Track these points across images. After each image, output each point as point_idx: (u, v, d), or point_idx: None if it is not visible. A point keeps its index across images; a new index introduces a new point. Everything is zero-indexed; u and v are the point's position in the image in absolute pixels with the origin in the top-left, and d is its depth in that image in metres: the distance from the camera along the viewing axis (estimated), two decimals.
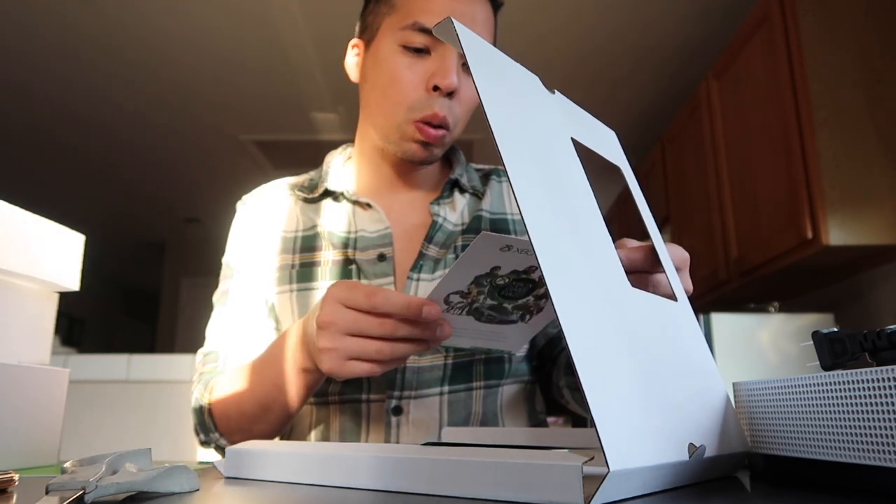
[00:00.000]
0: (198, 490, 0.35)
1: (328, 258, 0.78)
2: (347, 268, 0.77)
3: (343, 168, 0.86)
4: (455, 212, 0.82)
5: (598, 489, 0.27)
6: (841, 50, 1.74)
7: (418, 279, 0.75)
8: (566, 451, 0.31)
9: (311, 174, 0.88)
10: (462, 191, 0.84)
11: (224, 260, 0.85)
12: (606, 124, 0.58)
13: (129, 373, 2.03)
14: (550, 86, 0.48)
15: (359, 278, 0.76)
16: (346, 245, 0.78)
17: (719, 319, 2.03)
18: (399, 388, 0.72)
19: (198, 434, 0.76)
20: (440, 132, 0.73)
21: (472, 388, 0.75)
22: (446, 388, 0.74)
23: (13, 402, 0.59)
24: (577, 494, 0.28)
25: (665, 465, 0.31)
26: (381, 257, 0.76)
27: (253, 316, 0.80)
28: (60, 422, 0.65)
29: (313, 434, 0.77)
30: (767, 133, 1.90)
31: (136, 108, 3.20)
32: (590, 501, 0.27)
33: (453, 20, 0.36)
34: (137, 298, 7.33)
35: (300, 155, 3.67)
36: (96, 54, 2.73)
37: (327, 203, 0.83)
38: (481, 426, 0.75)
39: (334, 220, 0.80)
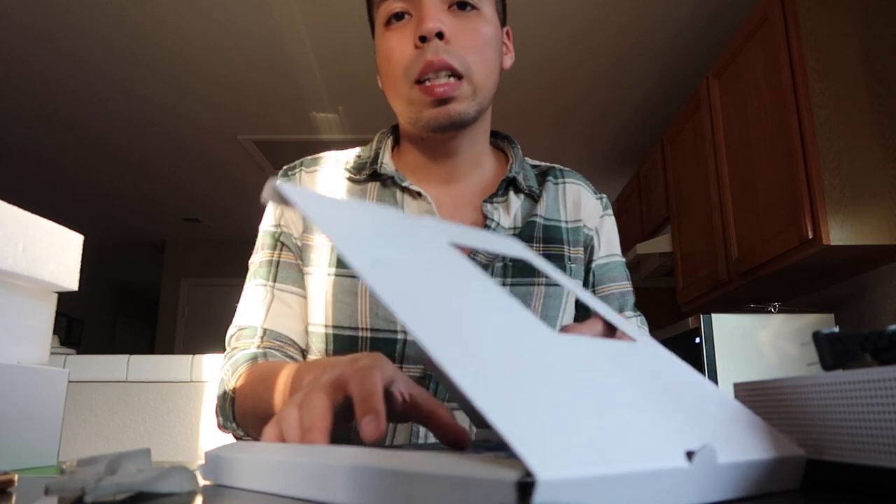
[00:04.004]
0: (198, 490, 0.35)
1: None
2: None
3: (394, 148, 0.81)
4: (508, 215, 0.77)
5: None
6: (841, 49, 1.74)
7: None
8: (506, 457, 0.26)
9: (358, 151, 0.83)
10: (517, 190, 0.79)
11: (263, 229, 0.81)
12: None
13: (129, 373, 2.03)
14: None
15: None
16: None
17: (719, 319, 2.03)
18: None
19: (217, 416, 0.73)
20: (445, 83, 0.67)
21: None
22: None
23: (13, 402, 0.59)
24: None
25: (641, 472, 0.25)
26: None
27: (293, 291, 0.76)
28: (60, 422, 0.65)
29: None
30: (767, 132, 1.90)
31: (135, 108, 3.20)
32: None
33: (270, 182, 0.35)
34: (137, 298, 7.33)
35: (300, 155, 3.64)
36: (94, 56, 2.73)
37: (374, 187, 0.78)
38: None
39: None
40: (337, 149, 0.88)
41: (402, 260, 0.36)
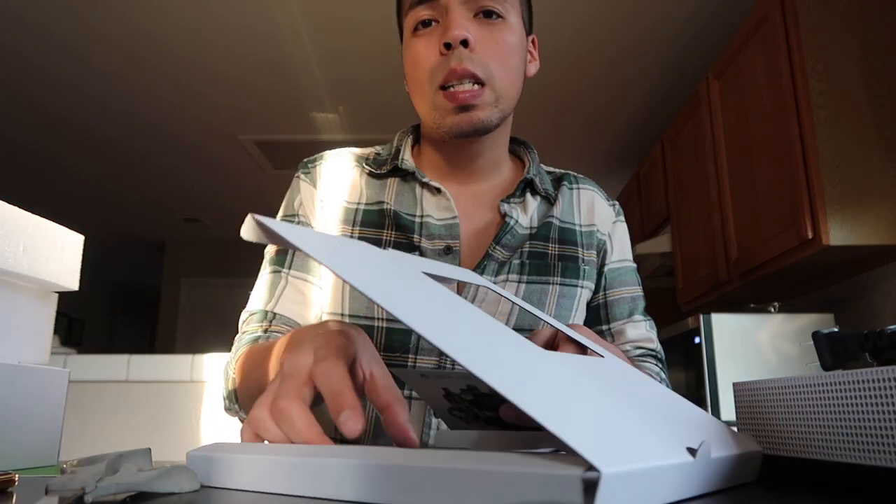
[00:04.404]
0: (198, 490, 0.35)
1: (390, 239, 0.76)
2: (410, 253, 0.74)
3: (413, 147, 0.83)
4: (525, 215, 0.79)
5: (595, 497, 0.25)
6: (841, 49, 1.74)
7: None
8: (564, 455, 0.29)
9: (378, 148, 0.85)
10: (534, 192, 0.81)
11: (280, 217, 0.82)
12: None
13: (129, 373, 2.03)
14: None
15: None
16: (411, 229, 0.75)
17: (719, 319, 2.03)
18: None
19: (224, 399, 0.74)
20: (468, 90, 0.69)
21: None
22: None
23: (13, 402, 0.59)
24: None
25: (668, 466, 0.28)
26: (448, 249, 0.74)
27: (306, 279, 0.78)
28: (60, 422, 0.65)
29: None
30: (767, 133, 1.90)
31: (135, 108, 3.20)
32: None
33: (251, 216, 0.37)
34: (137, 298, 7.33)
35: (300, 155, 3.65)
36: (96, 55, 2.73)
37: (394, 182, 0.80)
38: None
39: (401, 200, 0.78)
40: (337, 149, 0.88)
41: (385, 276, 0.39)
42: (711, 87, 2.30)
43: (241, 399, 0.69)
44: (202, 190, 4.36)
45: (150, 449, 0.39)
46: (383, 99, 3.06)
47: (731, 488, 0.34)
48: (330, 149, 0.89)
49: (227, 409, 0.74)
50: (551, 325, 0.52)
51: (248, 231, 0.38)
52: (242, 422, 0.72)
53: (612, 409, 0.33)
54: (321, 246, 0.39)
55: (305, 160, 0.85)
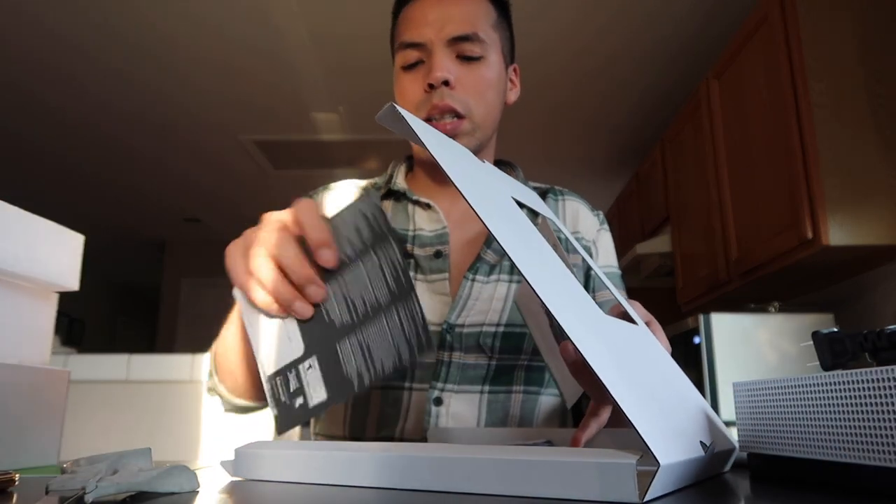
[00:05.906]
0: (198, 490, 0.35)
1: None
2: (405, 261, 0.81)
3: (407, 174, 0.93)
4: None
5: (650, 484, 0.29)
6: (841, 49, 1.74)
7: (474, 279, 0.80)
8: (611, 449, 0.32)
9: (377, 178, 0.95)
10: (520, 206, 0.87)
11: None
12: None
13: (130, 373, 2.03)
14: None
15: (415, 273, 0.81)
16: (404, 241, 0.83)
17: (719, 319, 2.03)
18: (443, 381, 0.76)
19: (209, 377, 0.76)
20: (449, 123, 0.77)
21: (512, 392, 0.79)
22: (487, 388, 0.77)
23: (14, 401, 0.59)
24: (632, 492, 0.29)
25: (692, 460, 0.34)
26: (438, 254, 0.81)
27: None
28: (60, 422, 0.65)
29: (349, 416, 0.80)
30: (767, 133, 1.90)
31: (135, 107, 3.20)
32: (644, 496, 0.29)
33: (395, 105, 0.40)
34: (137, 298, 7.33)
35: (300, 155, 3.67)
36: (95, 53, 2.73)
37: (389, 203, 0.89)
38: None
39: (395, 218, 0.86)
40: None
41: (487, 191, 0.44)
42: (711, 87, 2.29)
43: (221, 373, 0.71)
44: (202, 190, 4.36)
45: (150, 449, 0.39)
46: (384, 99, 3.06)
47: (715, 476, 0.40)
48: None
49: (209, 389, 0.76)
50: (616, 300, 0.57)
51: (384, 117, 0.41)
52: (221, 398, 0.74)
53: (663, 396, 0.37)
54: (444, 149, 0.43)
55: (311, 192, 0.94)
